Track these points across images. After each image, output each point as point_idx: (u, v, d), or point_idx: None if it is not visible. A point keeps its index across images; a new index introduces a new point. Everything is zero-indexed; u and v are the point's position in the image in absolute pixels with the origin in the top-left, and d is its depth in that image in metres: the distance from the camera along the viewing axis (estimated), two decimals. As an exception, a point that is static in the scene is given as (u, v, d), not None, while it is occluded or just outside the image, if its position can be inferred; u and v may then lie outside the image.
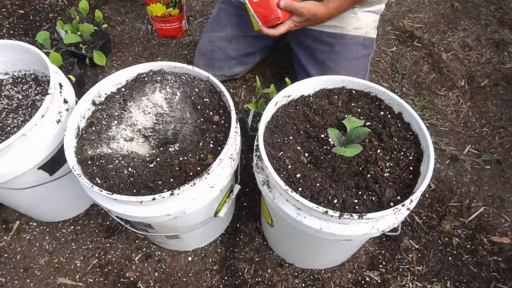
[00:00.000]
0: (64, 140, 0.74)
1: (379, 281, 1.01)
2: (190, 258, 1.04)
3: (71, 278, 1.01)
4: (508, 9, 1.81)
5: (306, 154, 0.76)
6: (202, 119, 0.82)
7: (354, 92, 0.86)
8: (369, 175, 0.71)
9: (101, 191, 0.66)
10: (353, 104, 0.84)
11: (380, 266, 1.03)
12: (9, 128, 0.82)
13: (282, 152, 0.74)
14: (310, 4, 1.01)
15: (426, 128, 0.74)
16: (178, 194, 0.66)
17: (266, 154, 0.69)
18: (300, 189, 0.68)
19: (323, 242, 0.80)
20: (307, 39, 1.21)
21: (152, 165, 0.74)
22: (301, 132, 0.80)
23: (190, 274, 1.01)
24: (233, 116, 0.76)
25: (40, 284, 1.00)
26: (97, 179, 0.72)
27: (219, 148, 0.76)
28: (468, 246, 1.07)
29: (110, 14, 1.67)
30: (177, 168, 0.73)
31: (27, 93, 0.89)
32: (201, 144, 0.77)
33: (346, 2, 1.03)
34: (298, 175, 0.70)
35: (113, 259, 1.04)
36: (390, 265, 1.04)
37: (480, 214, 1.14)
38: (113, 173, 0.72)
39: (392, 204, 0.67)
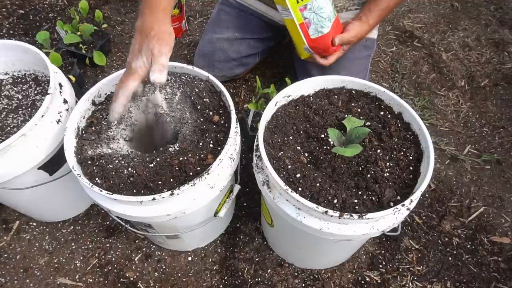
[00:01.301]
0: (64, 140, 0.74)
1: (379, 281, 1.01)
2: (190, 258, 1.04)
3: (71, 278, 1.01)
4: (508, 9, 1.81)
5: (306, 154, 0.76)
6: (202, 119, 0.82)
7: (354, 92, 0.86)
8: (369, 175, 0.71)
9: (101, 191, 0.66)
10: (353, 104, 0.84)
11: (380, 266, 1.03)
12: (9, 128, 0.82)
13: (282, 152, 0.74)
14: (356, 28, 1.04)
15: (426, 128, 0.74)
16: (178, 194, 0.66)
17: (266, 154, 0.69)
18: (300, 189, 0.68)
19: (323, 242, 0.80)
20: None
21: (152, 165, 0.74)
22: (301, 132, 0.80)
23: (190, 274, 1.01)
24: (233, 116, 0.76)
25: (40, 284, 1.00)
26: (97, 179, 0.72)
27: (219, 148, 0.76)
28: (468, 246, 1.07)
29: (110, 14, 1.67)
30: (177, 168, 0.73)
31: (27, 93, 0.89)
32: (201, 144, 0.77)
33: (384, 13, 1.06)
34: (298, 175, 0.70)
35: (113, 259, 1.04)
36: (390, 265, 1.04)
37: (480, 214, 1.14)
38: (113, 173, 0.72)
39: (392, 204, 0.67)
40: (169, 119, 0.84)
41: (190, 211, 0.73)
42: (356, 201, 0.67)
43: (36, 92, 0.89)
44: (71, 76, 1.21)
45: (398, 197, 0.68)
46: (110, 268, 1.02)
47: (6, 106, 0.86)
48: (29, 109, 0.85)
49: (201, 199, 0.73)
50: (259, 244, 1.07)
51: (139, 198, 0.65)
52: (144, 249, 1.06)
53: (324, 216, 0.64)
